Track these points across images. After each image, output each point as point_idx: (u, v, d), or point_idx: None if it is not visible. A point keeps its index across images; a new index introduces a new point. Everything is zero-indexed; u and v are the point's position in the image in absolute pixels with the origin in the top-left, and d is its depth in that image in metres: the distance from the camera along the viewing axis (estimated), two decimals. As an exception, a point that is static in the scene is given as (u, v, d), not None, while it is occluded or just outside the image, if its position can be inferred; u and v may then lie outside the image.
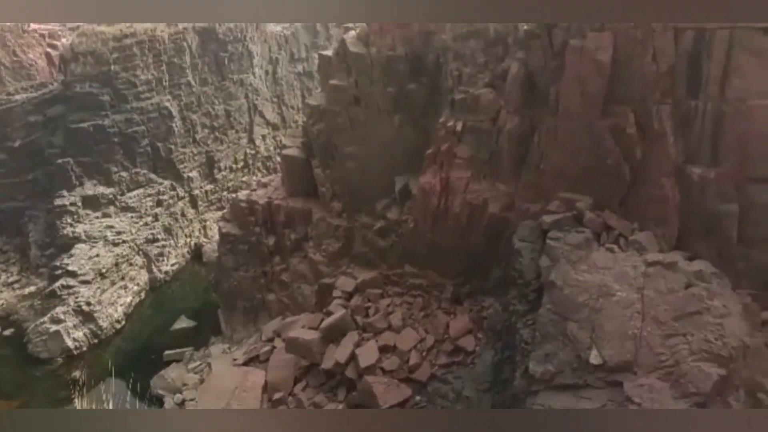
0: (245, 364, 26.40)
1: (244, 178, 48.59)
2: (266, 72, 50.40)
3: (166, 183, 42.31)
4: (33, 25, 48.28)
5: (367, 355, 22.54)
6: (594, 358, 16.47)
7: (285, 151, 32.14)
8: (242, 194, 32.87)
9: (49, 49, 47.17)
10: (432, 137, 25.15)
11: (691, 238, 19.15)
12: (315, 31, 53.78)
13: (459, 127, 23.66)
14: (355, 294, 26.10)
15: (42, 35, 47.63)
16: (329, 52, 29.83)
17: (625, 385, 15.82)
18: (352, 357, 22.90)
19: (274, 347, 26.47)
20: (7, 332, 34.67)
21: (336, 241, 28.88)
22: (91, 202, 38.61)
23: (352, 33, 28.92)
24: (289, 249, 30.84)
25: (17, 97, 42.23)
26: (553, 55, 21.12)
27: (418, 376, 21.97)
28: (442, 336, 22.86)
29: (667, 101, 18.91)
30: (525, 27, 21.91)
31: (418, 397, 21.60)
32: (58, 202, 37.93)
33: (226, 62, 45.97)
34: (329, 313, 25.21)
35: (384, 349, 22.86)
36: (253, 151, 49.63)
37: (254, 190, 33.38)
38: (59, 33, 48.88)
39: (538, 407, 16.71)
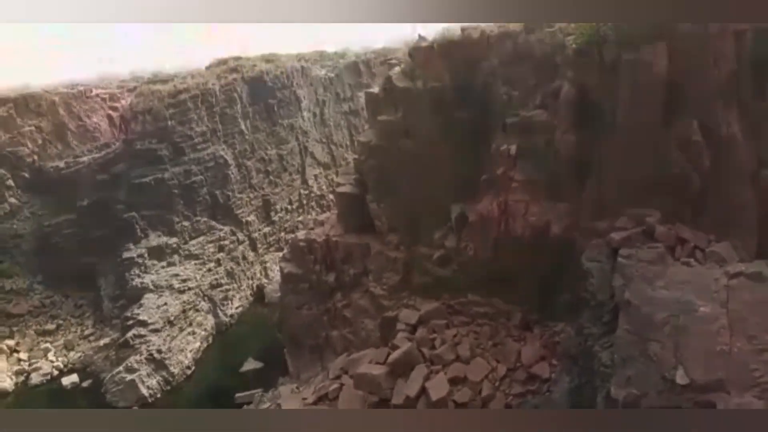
0: (315, 403, 26.28)
1: (299, 218, 49.59)
2: (314, 114, 51.81)
3: (226, 229, 43.65)
4: (95, 90, 51.46)
5: (438, 387, 22.06)
6: (681, 378, 15.56)
7: (339, 189, 32.55)
8: (301, 234, 33.41)
9: (110, 111, 50.05)
10: (485, 163, 25.00)
11: (774, 245, 18.15)
12: (358, 71, 55.07)
13: (513, 150, 23.43)
14: (420, 326, 25.75)
15: (103, 99, 50.65)
16: (375, 90, 30.38)
17: (718, 405, 14.86)
18: (423, 390, 22.47)
19: (342, 384, 26.27)
20: (86, 383, 35.90)
21: (395, 273, 28.75)
22: (157, 253, 40.14)
23: (397, 69, 29.41)
24: (349, 285, 30.92)
25: (83, 158, 44.82)
26: (605, 70, 20.77)
27: (493, 407, 21.32)
28: (514, 364, 22.19)
29: (733, 105, 18.23)
30: (573, 45, 21.70)
31: (494, 430, 20.92)
32: (125, 255, 39.63)
33: (276, 108, 47.57)
34: (395, 347, 24.91)
35: (454, 381, 22.35)
36: (306, 191, 50.72)
37: (312, 228, 33.89)
38: (118, 95, 51.89)
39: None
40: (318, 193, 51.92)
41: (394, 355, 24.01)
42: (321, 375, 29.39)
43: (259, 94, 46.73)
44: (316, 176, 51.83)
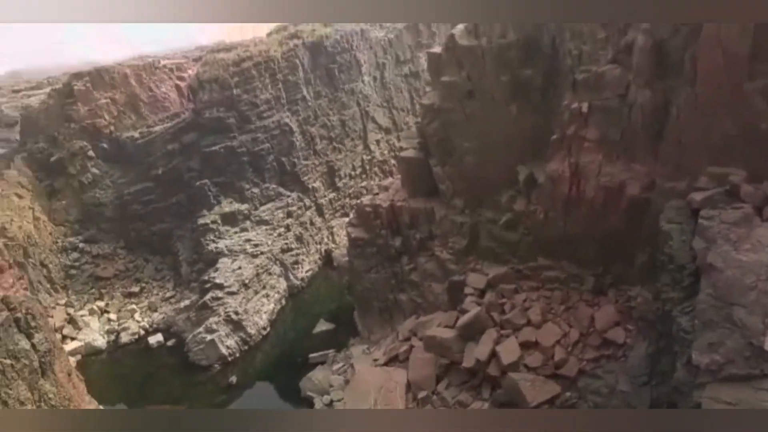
0: (386, 364, 27.05)
1: (363, 184, 49.98)
2: (374, 78, 51.39)
3: (294, 195, 44.64)
4: (162, 61, 52.92)
5: (509, 352, 22.15)
6: (769, 345, 14.99)
7: (402, 153, 32.51)
8: (366, 199, 33.77)
9: (178, 81, 51.36)
10: (555, 122, 24.24)
11: None
12: (418, 31, 53.94)
13: (584, 108, 22.57)
14: (488, 290, 25.78)
15: (171, 69, 51.96)
16: (437, 50, 29.77)
17: (810, 373, 14.24)
18: (493, 354, 22.63)
19: (412, 346, 26.86)
20: (170, 342, 38.26)
21: (462, 237, 28.74)
22: (229, 219, 41.69)
23: (460, 27, 28.65)
24: (415, 249, 31.19)
25: (156, 128, 46.41)
26: (685, 18, 19.47)
27: (566, 372, 21.21)
28: (587, 329, 21.87)
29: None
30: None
31: (568, 393, 20.88)
32: (200, 221, 41.40)
33: (337, 73, 47.49)
34: (464, 311, 25.12)
35: (525, 346, 22.35)
36: (369, 157, 50.90)
37: (376, 194, 34.14)
38: (185, 65, 53.16)
39: (707, 401, 15.52)
40: (380, 158, 51.99)
41: (464, 318, 24.21)
42: (391, 336, 30.11)
43: (319, 59, 46.77)
44: (378, 141, 51.82)
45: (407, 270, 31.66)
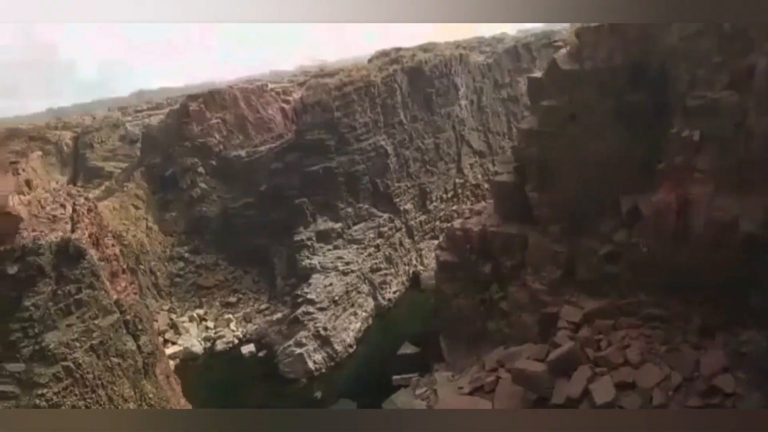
0: (471, 393, 26.30)
1: (454, 208, 49.76)
2: (471, 102, 51.40)
3: (385, 216, 45.27)
4: (270, 85, 56.02)
5: (603, 391, 20.77)
6: None
7: (496, 178, 31.99)
8: (457, 223, 33.49)
9: (283, 104, 54.12)
10: (662, 150, 22.89)
11: None
12: (517, 55, 53.43)
13: (696, 136, 21.17)
14: (583, 325, 24.47)
15: (277, 93, 54.92)
16: (538, 74, 29.24)
17: None
18: (586, 393, 21.35)
19: (498, 377, 25.97)
20: (261, 353, 39.64)
21: (556, 267, 27.60)
22: (324, 236, 42.94)
23: (563, 51, 28.04)
24: (506, 276, 30.37)
25: (261, 148, 49.00)
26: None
27: (666, 418, 19.59)
28: (692, 374, 20.10)
29: None
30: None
31: (667, 442, 19.23)
32: (296, 237, 42.92)
33: (434, 97, 48.00)
34: (555, 345, 23.97)
35: (621, 386, 20.89)
36: (461, 180, 50.68)
37: (468, 218, 33.78)
38: (290, 89, 55.95)
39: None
40: (473, 182, 51.62)
41: (555, 353, 23.10)
42: (476, 366, 29.31)
43: (417, 83, 47.51)
44: (471, 165, 51.60)
45: (497, 298, 30.86)
